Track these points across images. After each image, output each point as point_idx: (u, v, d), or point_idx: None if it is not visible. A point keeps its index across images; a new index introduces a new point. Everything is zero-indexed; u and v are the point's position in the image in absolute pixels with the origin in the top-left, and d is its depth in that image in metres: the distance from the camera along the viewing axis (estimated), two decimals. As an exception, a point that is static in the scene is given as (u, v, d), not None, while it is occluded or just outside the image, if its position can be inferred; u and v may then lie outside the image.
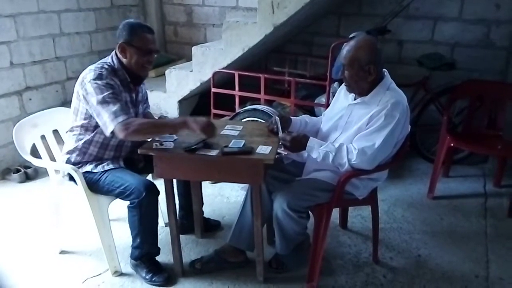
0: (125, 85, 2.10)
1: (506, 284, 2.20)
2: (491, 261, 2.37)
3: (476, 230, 2.67)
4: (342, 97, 2.16)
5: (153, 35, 2.09)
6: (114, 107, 1.93)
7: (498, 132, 3.09)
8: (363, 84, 1.98)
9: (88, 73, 2.02)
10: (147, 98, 2.40)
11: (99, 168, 2.11)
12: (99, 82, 1.97)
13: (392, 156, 2.09)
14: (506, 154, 3.05)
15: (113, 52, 2.11)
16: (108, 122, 1.93)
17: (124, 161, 2.20)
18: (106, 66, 2.06)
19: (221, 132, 2.15)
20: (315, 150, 1.97)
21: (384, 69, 2.04)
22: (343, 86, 2.16)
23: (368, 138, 1.92)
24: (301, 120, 2.24)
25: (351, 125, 2.03)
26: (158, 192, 2.10)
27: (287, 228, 2.06)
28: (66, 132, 2.21)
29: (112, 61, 2.09)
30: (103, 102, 1.94)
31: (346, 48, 1.98)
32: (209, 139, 1.98)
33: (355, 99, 2.06)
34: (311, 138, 2.01)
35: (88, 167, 2.12)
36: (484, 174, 3.41)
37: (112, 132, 1.93)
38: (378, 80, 1.99)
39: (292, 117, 2.25)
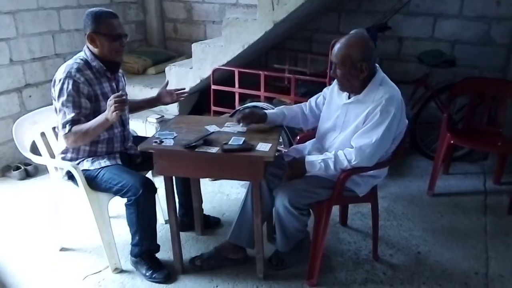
0: (102, 75, 2.12)
1: (506, 281, 2.21)
2: (490, 258, 2.38)
3: (476, 227, 2.67)
4: (336, 96, 2.14)
5: (118, 19, 2.10)
6: (67, 116, 2.01)
7: (498, 129, 3.09)
8: (355, 82, 1.96)
9: (60, 71, 2.05)
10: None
11: (96, 165, 2.12)
12: (65, 83, 2.00)
13: (391, 153, 2.09)
14: (506, 151, 3.06)
15: (85, 45, 2.12)
16: (60, 128, 2.06)
17: (121, 157, 2.20)
18: (79, 61, 2.07)
19: (221, 129, 2.15)
20: (315, 163, 1.97)
21: (375, 65, 2.02)
22: (334, 85, 2.13)
23: (365, 136, 1.92)
24: (277, 114, 2.18)
25: (348, 124, 2.03)
26: (155, 189, 2.10)
27: (288, 225, 2.06)
28: (56, 132, 2.23)
29: (85, 54, 2.11)
30: (60, 109, 2.02)
31: (337, 46, 1.94)
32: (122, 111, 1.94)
33: (349, 98, 2.05)
34: (306, 157, 2.03)
35: (85, 165, 2.13)
36: (484, 171, 3.41)
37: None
38: (370, 76, 1.97)
39: (268, 112, 2.19)
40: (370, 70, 1.94)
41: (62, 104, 2.01)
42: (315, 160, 1.99)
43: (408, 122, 2.09)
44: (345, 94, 2.07)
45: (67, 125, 2.01)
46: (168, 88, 2.44)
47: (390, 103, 1.90)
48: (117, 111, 1.90)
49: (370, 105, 1.93)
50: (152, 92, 3.60)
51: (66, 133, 2.02)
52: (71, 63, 2.06)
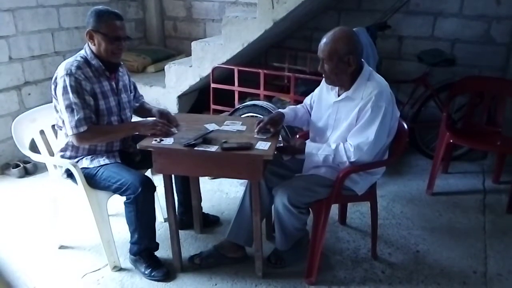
0: (101, 74, 2.11)
1: (504, 279, 2.21)
2: (489, 257, 2.38)
3: (474, 226, 2.67)
4: (325, 94, 2.15)
5: (121, 21, 2.08)
6: (77, 115, 1.99)
7: (498, 129, 3.09)
8: (343, 77, 1.97)
9: (60, 69, 2.04)
10: (135, 88, 2.41)
11: (95, 163, 2.11)
12: (67, 80, 1.99)
13: (388, 149, 2.10)
14: (505, 150, 3.06)
15: (86, 43, 2.11)
16: (69, 128, 2.01)
17: (120, 155, 2.20)
18: (79, 59, 2.07)
19: (221, 128, 2.15)
20: (315, 156, 1.99)
21: (361, 59, 2.04)
22: (323, 83, 2.15)
23: (361, 134, 1.94)
24: (291, 114, 2.20)
25: (340, 122, 2.04)
26: (154, 188, 2.10)
27: (288, 224, 2.07)
28: (55, 130, 2.22)
29: (86, 52, 2.10)
30: (68, 106, 2.00)
31: (323, 42, 1.96)
32: (172, 134, 2.05)
33: (338, 95, 2.05)
34: (307, 143, 2.03)
35: (85, 163, 2.13)
36: (483, 171, 3.41)
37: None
38: (358, 71, 1.98)
39: (285, 112, 2.17)
40: (357, 64, 1.96)
41: (69, 102, 1.99)
42: (314, 154, 1.99)
43: (400, 116, 2.10)
44: (334, 91, 2.08)
45: (83, 124, 1.99)
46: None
47: (380, 98, 1.91)
48: (153, 132, 2.03)
49: (361, 102, 1.94)
50: (151, 90, 3.61)
51: (81, 132, 2.00)
52: (71, 61, 2.06)
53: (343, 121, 2.02)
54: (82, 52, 2.11)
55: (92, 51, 2.09)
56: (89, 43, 2.09)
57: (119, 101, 2.19)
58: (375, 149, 1.96)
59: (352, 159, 1.94)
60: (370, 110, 1.91)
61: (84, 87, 2.01)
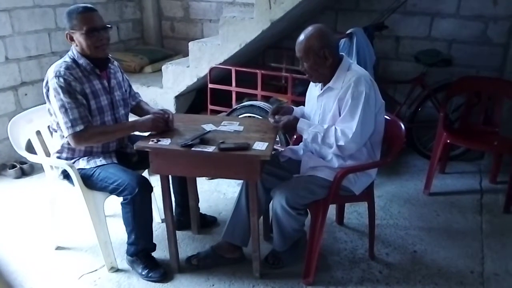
0: (90, 73, 2.09)
1: (501, 279, 2.22)
2: (486, 257, 2.39)
3: (471, 226, 2.68)
4: (312, 93, 2.20)
5: (93, 12, 2.02)
6: (72, 115, 1.97)
7: (494, 129, 3.10)
8: (323, 70, 2.01)
9: (50, 72, 2.03)
10: (130, 86, 2.38)
11: (92, 164, 2.11)
12: (57, 81, 1.98)
13: (386, 150, 2.11)
14: (502, 150, 3.06)
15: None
16: (64, 129, 2.00)
17: (117, 156, 2.20)
18: (67, 59, 2.06)
19: (218, 128, 2.15)
20: (305, 131, 2.02)
21: (341, 53, 2.07)
22: (311, 84, 2.20)
23: (346, 121, 1.95)
24: (299, 112, 2.26)
25: (325, 116, 2.06)
26: (151, 188, 2.09)
27: (286, 225, 2.07)
28: (50, 131, 2.21)
29: (73, 52, 2.08)
30: (62, 107, 1.98)
31: (298, 41, 2.01)
32: (170, 130, 2.09)
33: (321, 90, 2.08)
34: (300, 119, 2.05)
35: (81, 164, 2.12)
36: (480, 171, 3.42)
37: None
38: (337, 63, 2.01)
39: (294, 108, 2.26)
40: (334, 56, 1.99)
41: (62, 103, 1.97)
42: (305, 130, 2.02)
43: (397, 116, 2.11)
44: (318, 88, 2.11)
45: (79, 123, 1.98)
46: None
47: (358, 83, 1.93)
48: (154, 129, 2.05)
49: (340, 91, 1.97)
50: (148, 91, 3.60)
51: (78, 131, 1.98)
52: (60, 63, 2.04)
53: (328, 112, 2.04)
54: (69, 53, 2.09)
55: (78, 51, 2.07)
56: (73, 45, 2.07)
57: (112, 100, 2.18)
58: (362, 136, 1.96)
59: (340, 143, 1.94)
60: (351, 97, 1.93)
61: (74, 87, 1.99)
